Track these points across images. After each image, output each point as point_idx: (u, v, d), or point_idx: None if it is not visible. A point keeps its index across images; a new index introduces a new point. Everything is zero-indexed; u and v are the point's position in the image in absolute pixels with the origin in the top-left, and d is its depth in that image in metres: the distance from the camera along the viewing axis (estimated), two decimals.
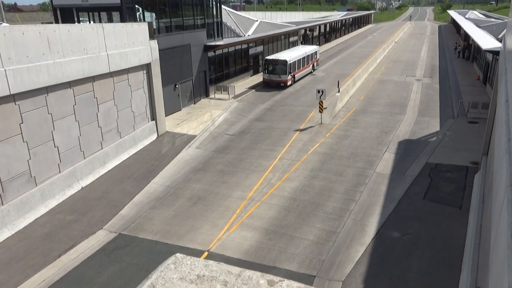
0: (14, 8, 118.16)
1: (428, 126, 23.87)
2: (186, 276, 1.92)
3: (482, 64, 35.64)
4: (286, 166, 18.69)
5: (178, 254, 2.09)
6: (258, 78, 39.36)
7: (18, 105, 14.08)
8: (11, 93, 13.58)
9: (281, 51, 48.52)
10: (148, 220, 14.58)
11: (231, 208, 15.17)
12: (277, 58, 33.62)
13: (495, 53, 25.56)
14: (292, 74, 34.13)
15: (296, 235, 13.32)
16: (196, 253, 12.46)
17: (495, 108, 15.13)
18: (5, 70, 13.26)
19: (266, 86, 34.42)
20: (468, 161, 18.63)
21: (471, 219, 13.21)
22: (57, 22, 25.88)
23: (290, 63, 33.52)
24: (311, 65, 40.14)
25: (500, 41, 28.19)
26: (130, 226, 14.22)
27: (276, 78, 33.62)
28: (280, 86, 33.59)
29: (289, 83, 34.06)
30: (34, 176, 14.98)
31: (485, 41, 30.16)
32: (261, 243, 12.95)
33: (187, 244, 13.04)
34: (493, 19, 61.02)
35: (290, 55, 34.69)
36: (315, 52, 41.63)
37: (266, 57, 34.73)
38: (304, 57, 37.45)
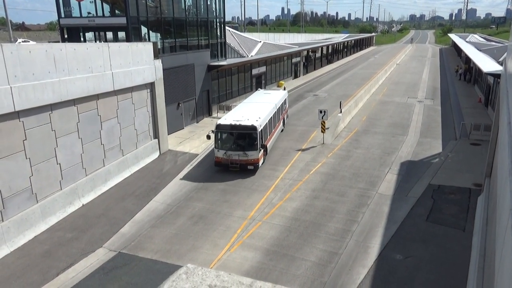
0: (22, 27, 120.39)
1: (430, 147, 23.86)
2: (198, 286, 1.91)
3: (484, 86, 35.87)
4: (288, 186, 18.62)
5: (189, 265, 2.08)
6: None
7: (22, 121, 14.18)
8: (16, 110, 13.70)
9: (283, 72, 49.17)
10: (148, 238, 14.45)
11: (232, 227, 15.04)
12: (238, 122, 19.90)
13: (496, 75, 25.77)
14: (263, 145, 20.53)
15: (298, 256, 13.16)
16: None
17: (498, 130, 15.15)
18: (11, 87, 13.41)
19: (221, 169, 20.43)
20: (471, 183, 18.52)
21: (475, 242, 13.04)
22: (63, 41, 26.33)
23: (261, 130, 20.11)
24: (281, 122, 26.78)
25: (501, 64, 28.43)
26: (130, 245, 14.08)
27: (239, 157, 19.72)
28: (247, 169, 19.93)
29: (260, 162, 20.43)
30: (36, 193, 14.95)
31: (486, 64, 30.45)
32: (262, 264, 12.79)
33: (187, 263, 12.86)
34: (493, 43, 61.73)
35: (257, 113, 21.28)
36: (285, 101, 28.53)
37: (219, 121, 20.40)
38: (275, 111, 24.32)
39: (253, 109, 22.40)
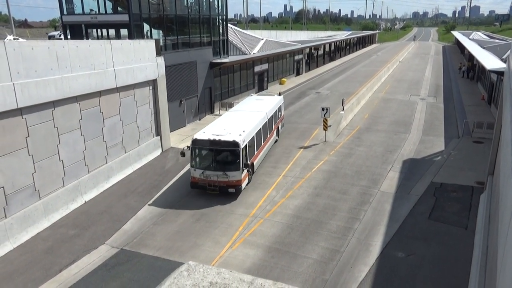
0: (24, 24, 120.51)
1: (432, 145, 23.80)
2: (199, 283, 1.92)
3: (487, 84, 35.73)
4: (290, 183, 18.62)
5: (190, 262, 2.09)
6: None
7: (25, 118, 14.21)
8: (19, 106, 13.73)
9: (285, 69, 49.07)
10: (150, 235, 14.49)
11: (234, 225, 15.06)
12: (218, 137, 16.91)
13: (499, 73, 25.66)
14: (248, 164, 17.27)
15: (299, 254, 13.17)
16: None
17: (500, 128, 15.10)
18: (13, 84, 13.44)
19: (198, 191, 17.56)
20: (473, 181, 18.48)
21: (477, 240, 13.02)
22: (66, 38, 26.35)
23: (246, 145, 17.31)
24: (275, 131, 23.65)
25: (505, 62, 28.31)
26: (132, 242, 14.13)
27: (218, 178, 16.78)
28: (228, 192, 16.95)
29: (244, 184, 17.34)
30: (38, 190, 15.00)
31: (490, 61, 30.32)
32: (263, 261, 12.81)
33: (189, 261, 12.89)
34: (497, 40, 61.45)
35: (242, 126, 18.32)
36: (279, 108, 24.92)
37: (195, 136, 17.41)
38: (266, 122, 21.12)
39: (239, 120, 19.64)
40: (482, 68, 37.03)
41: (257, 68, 40.07)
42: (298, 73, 53.32)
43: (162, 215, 15.98)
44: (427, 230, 14.46)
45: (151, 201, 17.19)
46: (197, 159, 17.29)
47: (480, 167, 19.61)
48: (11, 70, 13.39)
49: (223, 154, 17.17)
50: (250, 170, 18.16)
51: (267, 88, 42.69)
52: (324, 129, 24.59)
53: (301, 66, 54.41)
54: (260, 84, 41.52)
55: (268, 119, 21.69)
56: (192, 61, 28.18)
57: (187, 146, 17.34)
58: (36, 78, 14.35)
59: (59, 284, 11.91)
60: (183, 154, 17.76)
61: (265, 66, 41.95)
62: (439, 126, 28.01)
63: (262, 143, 20.53)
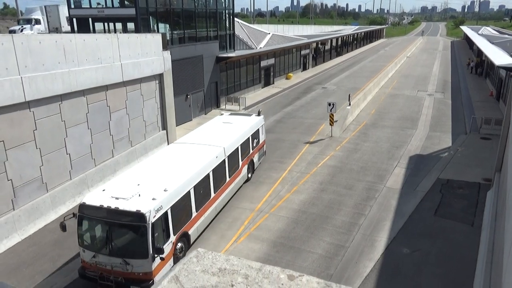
0: None
1: (439, 141, 23.65)
2: (208, 269, 1.98)
3: (495, 80, 35.36)
4: (295, 178, 18.63)
5: (200, 249, 2.15)
6: (269, 90, 39.63)
7: (33, 112, 14.32)
8: (26, 100, 13.84)
9: (291, 64, 48.92)
10: None
11: (239, 219, 15.12)
12: (115, 203, 10.82)
13: (508, 69, 25.37)
14: (163, 249, 10.79)
15: (304, 248, 13.20)
16: None
17: (509, 125, 14.96)
18: (21, 77, 13.54)
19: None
20: (480, 177, 18.36)
21: (483, 237, 12.96)
22: (73, 31, 26.45)
23: (163, 215, 11.23)
24: (245, 168, 17.60)
25: None
26: None
27: (112, 268, 10.75)
28: None
29: (158, 276, 10.95)
30: (46, 182, 15.15)
31: (499, 57, 29.96)
32: (268, 256, 12.86)
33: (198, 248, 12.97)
34: (506, 36, 60.69)
35: (168, 178, 12.46)
36: (256, 133, 19.04)
37: (84, 199, 11.33)
38: (223, 160, 15.36)
39: (174, 165, 13.68)
40: (490, 64, 36.64)
41: (263, 63, 39.98)
42: (304, 68, 53.14)
43: None
44: (433, 227, 14.42)
45: None
46: (86, 235, 11.41)
47: (487, 164, 19.47)
48: (19, 63, 13.49)
49: (122, 232, 10.99)
50: (182, 245, 12.28)
51: (273, 83, 42.61)
52: (330, 124, 24.52)
53: (307, 60, 54.19)
54: (266, 79, 41.44)
55: (228, 156, 15.75)
56: (198, 55, 28.17)
57: (73, 214, 11.33)
58: (43, 72, 14.43)
59: (65, 277, 12.05)
60: (63, 227, 11.37)
61: (271, 61, 41.83)
62: (447, 122, 27.81)
63: (212, 195, 14.45)
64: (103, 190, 11.62)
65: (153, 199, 10.99)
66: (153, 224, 10.56)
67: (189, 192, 12.75)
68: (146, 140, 21.37)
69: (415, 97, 36.04)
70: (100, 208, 10.83)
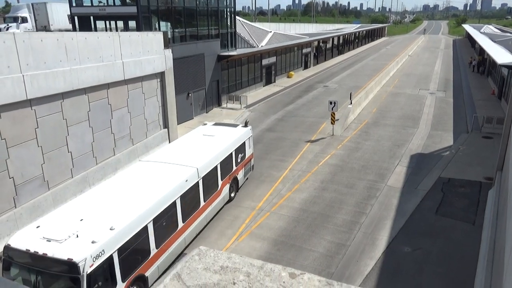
0: None
1: (441, 140, 23.62)
2: (210, 267, 1.99)
3: (497, 78, 35.28)
4: (297, 177, 18.63)
5: (201, 247, 2.17)
6: (271, 88, 39.60)
7: (34, 110, 14.34)
8: (28, 98, 13.84)
9: (293, 62, 48.85)
10: None
11: (240, 217, 15.14)
12: (44, 249, 8.85)
13: (511, 67, 25.30)
14: None
15: (305, 247, 13.21)
16: None
17: (511, 123, 14.93)
18: (23, 75, 13.55)
19: None
20: (482, 176, 18.34)
21: (485, 236, 12.95)
22: (74, 29, 26.46)
23: (106, 261, 9.26)
24: (226, 187, 15.73)
25: None
26: None
27: None
28: None
29: None
30: (47, 180, 15.17)
31: (501, 55, 29.88)
32: (269, 254, 12.87)
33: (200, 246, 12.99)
34: (509, 34, 60.52)
35: (119, 213, 10.42)
36: (242, 146, 17.22)
37: (10, 240, 9.38)
38: (197, 183, 13.53)
39: (133, 191, 11.71)
40: (492, 62, 36.54)
41: (265, 61, 39.95)
42: (306, 67, 53.08)
43: None
44: (434, 225, 14.41)
45: None
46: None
47: (489, 163, 19.44)
48: (21, 61, 13.49)
49: (52, 283, 9.14)
50: None
51: (274, 82, 42.58)
52: (331, 123, 24.51)
53: (309, 59, 54.13)
54: (267, 77, 41.42)
55: (204, 177, 13.90)
56: (200, 53, 28.16)
57: None
58: (45, 70, 14.44)
59: None
60: None
61: (273, 59, 41.80)
62: (448, 120, 27.76)
63: (180, 226, 12.56)
64: (37, 226, 9.77)
65: (93, 242, 9.04)
66: (89, 275, 8.69)
67: (146, 226, 10.76)
68: (147, 138, 21.39)
69: (416, 95, 35.99)
70: (26, 252, 8.97)
